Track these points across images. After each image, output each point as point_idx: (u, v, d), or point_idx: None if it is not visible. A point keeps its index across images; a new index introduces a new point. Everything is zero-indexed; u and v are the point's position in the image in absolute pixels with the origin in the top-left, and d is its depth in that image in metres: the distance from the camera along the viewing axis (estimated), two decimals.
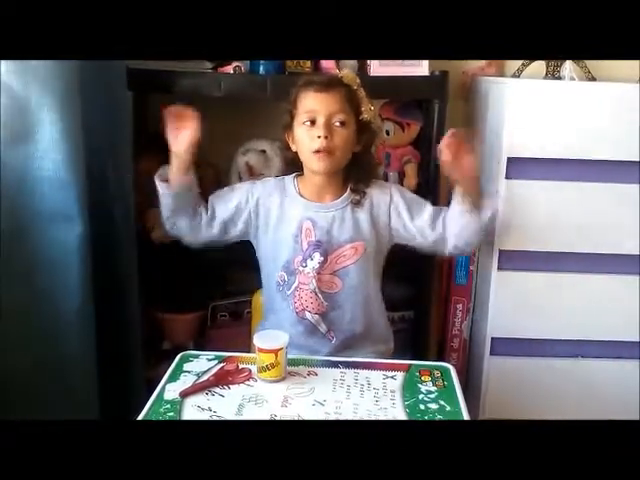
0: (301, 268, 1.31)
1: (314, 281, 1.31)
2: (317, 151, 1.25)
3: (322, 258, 1.30)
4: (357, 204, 1.32)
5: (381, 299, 1.42)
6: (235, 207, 1.35)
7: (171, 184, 1.30)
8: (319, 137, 1.24)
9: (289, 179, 1.36)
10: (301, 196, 1.33)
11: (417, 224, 1.34)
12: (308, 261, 1.31)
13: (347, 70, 1.34)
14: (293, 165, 1.36)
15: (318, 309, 1.32)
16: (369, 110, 1.30)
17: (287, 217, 1.33)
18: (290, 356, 1.16)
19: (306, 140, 1.27)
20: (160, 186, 1.31)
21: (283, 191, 1.34)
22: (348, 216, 1.32)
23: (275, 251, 1.34)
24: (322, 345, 1.34)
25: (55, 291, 1.33)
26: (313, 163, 1.28)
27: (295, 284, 1.32)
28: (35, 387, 1.34)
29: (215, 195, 1.38)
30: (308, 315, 1.33)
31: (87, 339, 1.38)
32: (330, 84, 1.27)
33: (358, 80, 1.31)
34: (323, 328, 1.34)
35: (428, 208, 1.35)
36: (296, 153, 1.32)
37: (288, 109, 1.31)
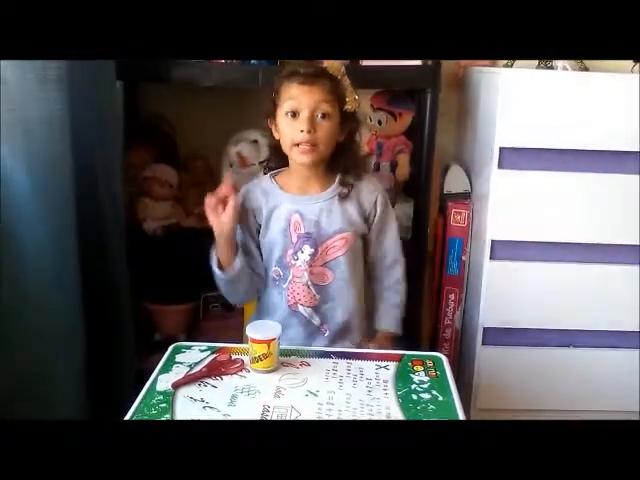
0: (293, 261, 1.31)
1: (306, 274, 1.30)
2: (299, 144, 1.24)
3: (312, 250, 1.30)
4: (345, 197, 1.31)
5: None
6: (248, 228, 1.34)
7: (225, 270, 1.29)
8: (302, 131, 1.22)
9: (265, 179, 1.35)
10: (284, 191, 1.32)
11: (373, 238, 1.36)
12: (299, 254, 1.30)
13: None
14: (278, 153, 1.33)
15: (310, 302, 1.32)
16: (353, 100, 1.28)
17: (275, 214, 1.31)
18: (283, 346, 1.16)
19: (289, 132, 1.25)
20: (216, 272, 1.30)
21: (264, 191, 1.33)
22: (336, 207, 1.31)
23: (270, 248, 1.33)
24: (315, 338, 1.34)
25: (45, 284, 1.31)
26: (296, 156, 1.26)
27: (290, 277, 1.31)
28: (23, 383, 1.32)
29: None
30: (301, 308, 1.32)
31: (77, 331, 1.37)
32: (315, 76, 1.24)
33: (343, 69, 1.28)
34: (316, 321, 1.33)
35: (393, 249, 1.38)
36: (279, 141, 1.30)
37: (271, 97, 1.28)
